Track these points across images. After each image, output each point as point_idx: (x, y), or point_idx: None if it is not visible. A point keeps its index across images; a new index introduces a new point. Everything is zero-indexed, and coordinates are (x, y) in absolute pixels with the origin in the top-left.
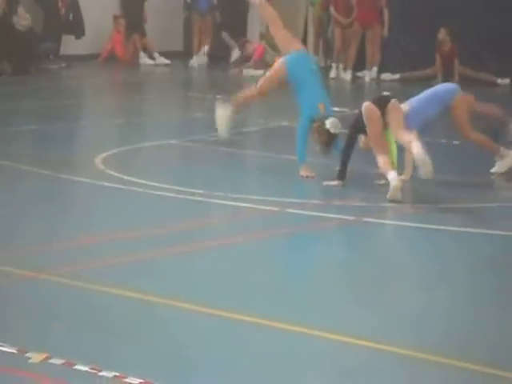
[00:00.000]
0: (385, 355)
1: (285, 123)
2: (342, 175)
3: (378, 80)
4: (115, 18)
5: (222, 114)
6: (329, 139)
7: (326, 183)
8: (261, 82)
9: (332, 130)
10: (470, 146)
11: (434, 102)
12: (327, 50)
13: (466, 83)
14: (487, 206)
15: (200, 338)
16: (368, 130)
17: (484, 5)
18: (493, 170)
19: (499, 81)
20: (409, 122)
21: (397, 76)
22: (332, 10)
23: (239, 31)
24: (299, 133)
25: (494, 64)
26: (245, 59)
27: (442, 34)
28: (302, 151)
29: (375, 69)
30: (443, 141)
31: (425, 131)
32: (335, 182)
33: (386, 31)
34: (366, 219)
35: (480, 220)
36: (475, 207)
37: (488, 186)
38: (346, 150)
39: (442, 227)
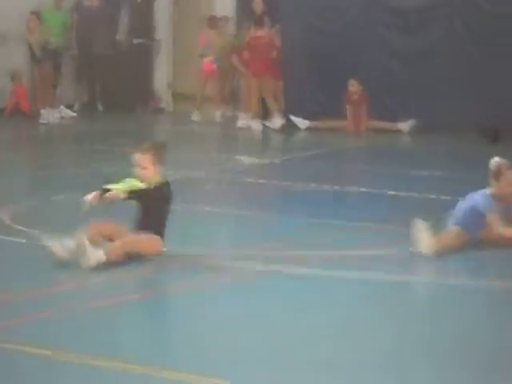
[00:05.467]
0: None
1: (193, 174)
2: None
3: (283, 129)
4: (14, 73)
5: None
6: None
7: None
8: None
9: None
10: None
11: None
12: (234, 100)
13: (372, 134)
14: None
15: None
16: None
17: (382, 50)
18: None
19: (399, 125)
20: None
21: (308, 123)
22: (235, 61)
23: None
24: None
25: (396, 109)
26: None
27: (353, 85)
28: None
29: (276, 119)
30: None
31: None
32: None
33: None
34: (275, 268)
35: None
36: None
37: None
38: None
39: (355, 275)
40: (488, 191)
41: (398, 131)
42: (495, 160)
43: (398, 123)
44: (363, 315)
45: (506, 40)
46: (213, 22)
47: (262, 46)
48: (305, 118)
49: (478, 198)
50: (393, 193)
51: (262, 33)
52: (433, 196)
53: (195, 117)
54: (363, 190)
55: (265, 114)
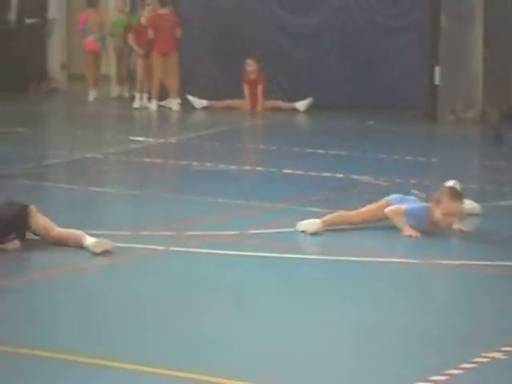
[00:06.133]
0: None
1: (89, 155)
2: None
3: (180, 109)
4: None
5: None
6: None
7: None
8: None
9: None
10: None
11: None
12: (130, 81)
13: (269, 113)
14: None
15: None
16: None
17: (278, 30)
18: None
19: (296, 104)
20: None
21: (205, 102)
22: (130, 40)
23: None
24: None
25: (291, 89)
26: None
27: (250, 65)
28: None
29: (173, 99)
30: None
31: None
32: None
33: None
34: (173, 248)
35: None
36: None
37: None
38: None
39: (251, 253)
40: (428, 206)
41: (295, 110)
42: (447, 184)
43: (295, 102)
44: (261, 291)
45: (399, 20)
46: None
47: (167, 25)
48: (202, 97)
49: (415, 204)
50: (289, 171)
51: (166, 11)
52: (327, 174)
53: (91, 97)
54: (260, 168)
55: (162, 93)
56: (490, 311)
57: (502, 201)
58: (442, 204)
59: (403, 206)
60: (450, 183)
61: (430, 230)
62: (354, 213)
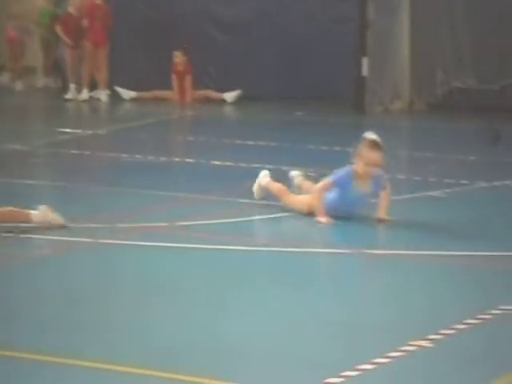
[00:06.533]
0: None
1: (16, 147)
2: None
3: (108, 100)
4: None
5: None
6: None
7: None
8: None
9: None
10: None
11: None
12: (57, 71)
13: (198, 104)
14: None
15: None
16: None
17: (208, 21)
18: None
19: (224, 95)
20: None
21: (133, 94)
22: (58, 30)
23: None
24: None
25: (220, 80)
26: None
27: (178, 56)
28: None
29: (102, 90)
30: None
31: None
32: None
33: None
34: (102, 241)
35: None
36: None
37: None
38: None
39: (181, 245)
40: (352, 166)
41: (224, 101)
42: (363, 136)
43: (223, 93)
44: (194, 282)
45: (328, 12)
46: None
47: (99, 15)
48: (130, 88)
49: (339, 170)
50: (218, 163)
51: (98, 1)
52: (257, 165)
53: (18, 86)
54: (189, 160)
55: (91, 84)
56: (419, 300)
57: (429, 191)
58: (362, 156)
59: (330, 179)
60: (368, 134)
61: (357, 196)
62: (294, 196)
